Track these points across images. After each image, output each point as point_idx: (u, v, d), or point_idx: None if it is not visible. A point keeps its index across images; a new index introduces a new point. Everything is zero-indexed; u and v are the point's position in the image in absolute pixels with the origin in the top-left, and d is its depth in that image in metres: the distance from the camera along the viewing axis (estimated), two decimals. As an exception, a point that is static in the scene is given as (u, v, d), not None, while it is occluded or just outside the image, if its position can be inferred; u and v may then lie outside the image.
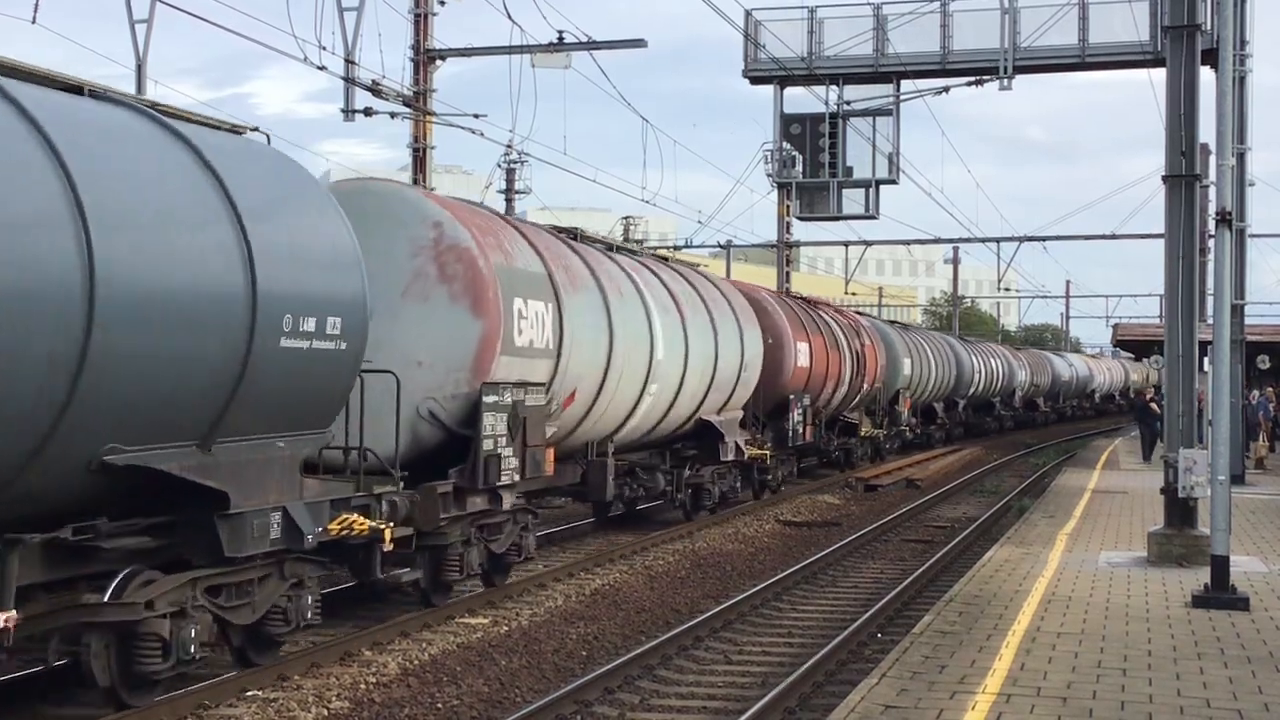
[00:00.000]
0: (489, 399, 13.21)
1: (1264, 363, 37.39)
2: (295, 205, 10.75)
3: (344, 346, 10.63)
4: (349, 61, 24.01)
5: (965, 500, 29.10)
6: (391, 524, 11.57)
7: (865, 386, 32.77)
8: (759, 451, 23.82)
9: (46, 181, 8.13)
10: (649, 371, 18.16)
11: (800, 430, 26.26)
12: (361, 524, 11.10)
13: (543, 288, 14.90)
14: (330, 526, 10.71)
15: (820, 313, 30.43)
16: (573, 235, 17.96)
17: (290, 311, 9.98)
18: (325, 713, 10.16)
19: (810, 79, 35.76)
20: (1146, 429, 35.19)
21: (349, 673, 11.33)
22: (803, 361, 26.34)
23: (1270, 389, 38.39)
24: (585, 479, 17.60)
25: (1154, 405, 32.60)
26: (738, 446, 22.38)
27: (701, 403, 20.91)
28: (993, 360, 52.50)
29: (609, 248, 19.33)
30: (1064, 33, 34.10)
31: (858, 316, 36.84)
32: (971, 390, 48.37)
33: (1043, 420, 63.24)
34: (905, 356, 37.89)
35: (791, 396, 25.80)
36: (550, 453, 14.85)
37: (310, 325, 10.19)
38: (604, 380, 16.68)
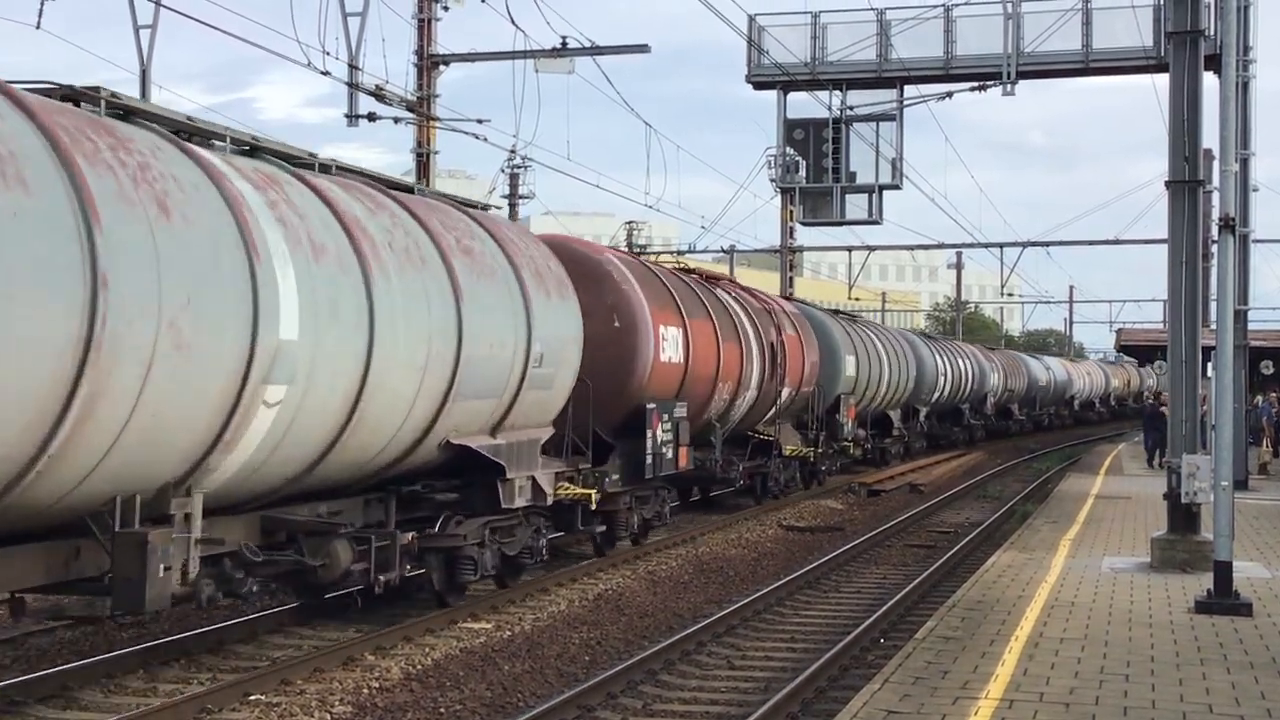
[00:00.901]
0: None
1: (1267, 368, 37.40)
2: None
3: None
4: (353, 66, 24.05)
5: (968, 505, 29.09)
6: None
7: (786, 391, 25.22)
8: (582, 491, 16.06)
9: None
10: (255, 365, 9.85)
11: (665, 454, 18.33)
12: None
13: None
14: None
15: (717, 290, 22.86)
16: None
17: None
18: (328, 717, 10.16)
19: (813, 84, 35.77)
20: (1155, 434, 35.12)
21: (352, 677, 11.33)
22: (671, 355, 18.62)
23: (1274, 394, 38.37)
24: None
25: (1165, 410, 32.49)
26: (535, 485, 14.62)
27: (436, 417, 12.44)
28: (961, 361, 45.83)
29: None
30: (1067, 38, 34.09)
31: (781, 301, 28.57)
32: (936, 396, 41.83)
33: (1017, 430, 56.32)
34: (848, 354, 31.10)
35: (650, 406, 17.89)
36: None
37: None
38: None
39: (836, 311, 35.89)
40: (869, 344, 33.99)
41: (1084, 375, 71.24)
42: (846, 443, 30.85)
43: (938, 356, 42.32)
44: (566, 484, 15.56)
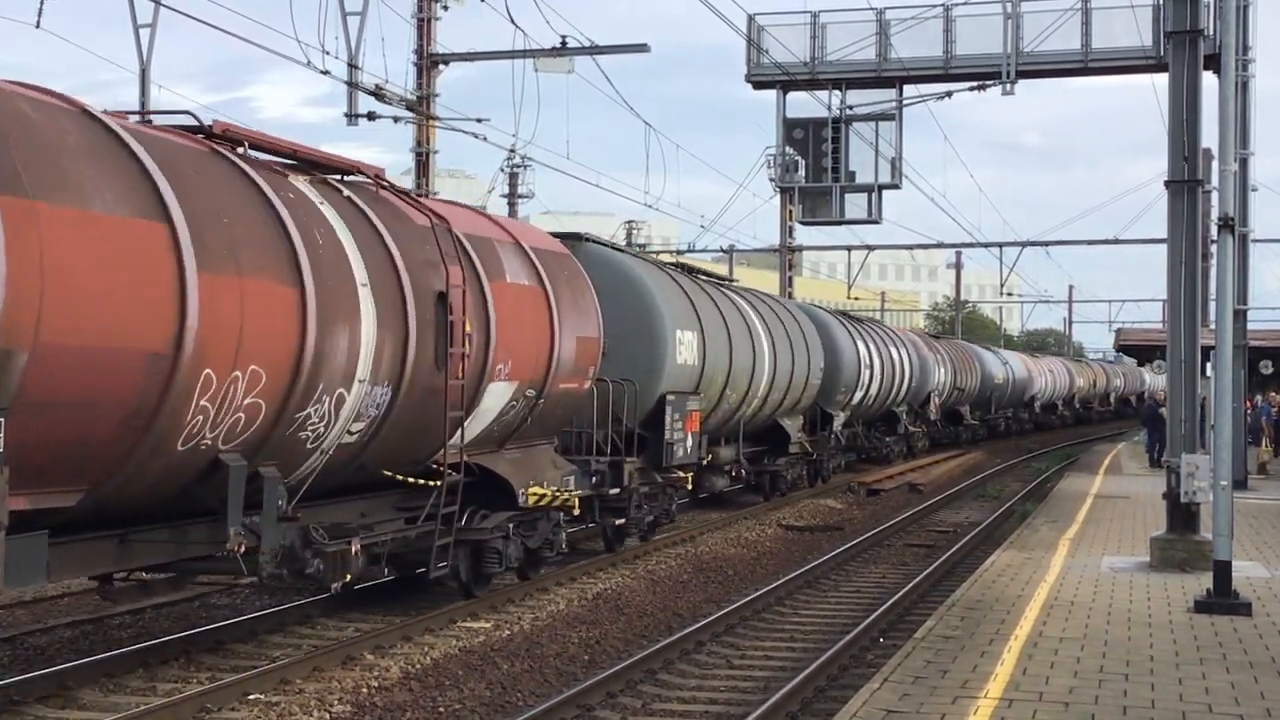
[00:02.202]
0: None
1: (1266, 368, 37.37)
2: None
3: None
4: (352, 66, 24.04)
5: (968, 505, 29.09)
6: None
7: (496, 388, 13.92)
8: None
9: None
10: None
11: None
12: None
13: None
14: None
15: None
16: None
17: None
18: (327, 716, 10.16)
19: (813, 84, 35.79)
20: (1157, 434, 35.12)
21: (351, 676, 11.33)
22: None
23: (1274, 394, 38.36)
24: None
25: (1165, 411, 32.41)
26: None
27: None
28: (895, 352, 36.48)
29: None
30: (1067, 38, 34.12)
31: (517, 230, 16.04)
32: (859, 397, 32.44)
33: (968, 438, 47.92)
34: (684, 330, 19.64)
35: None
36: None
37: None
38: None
39: (685, 268, 23.60)
40: (736, 319, 22.56)
41: (1045, 373, 61.97)
42: (673, 472, 19.31)
43: (863, 343, 32.66)
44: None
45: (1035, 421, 60.15)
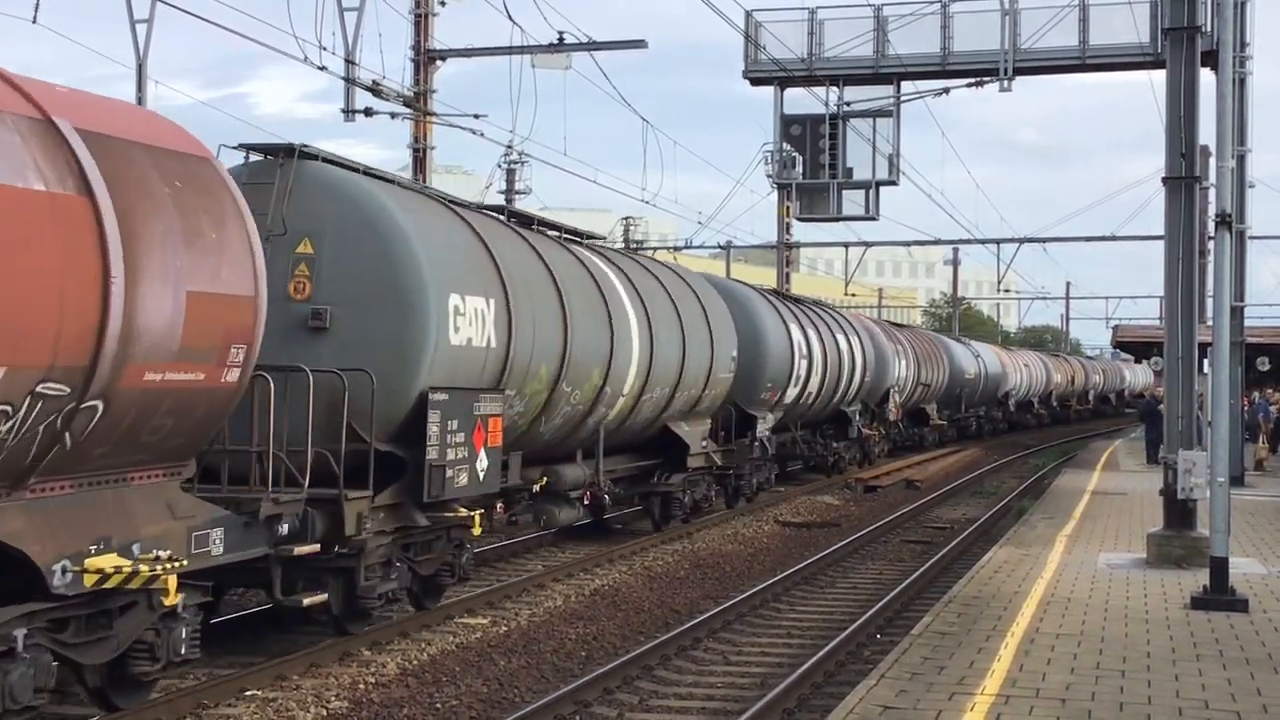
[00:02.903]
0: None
1: (1264, 364, 37.40)
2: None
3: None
4: (349, 62, 24.02)
5: (965, 501, 29.10)
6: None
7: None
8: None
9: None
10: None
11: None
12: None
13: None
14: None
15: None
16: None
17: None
18: (324, 712, 10.16)
19: (810, 80, 35.75)
20: (1155, 431, 35.14)
21: (348, 672, 11.33)
22: None
23: (1271, 391, 38.40)
24: None
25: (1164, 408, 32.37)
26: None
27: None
28: (844, 340, 30.46)
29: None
30: (1064, 34, 34.10)
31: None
32: (794, 395, 26.17)
33: (933, 440, 43.01)
34: (473, 296, 13.49)
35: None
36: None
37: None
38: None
39: (508, 212, 17.30)
40: (582, 285, 16.54)
41: (1020, 368, 56.57)
42: (448, 510, 13.30)
43: (798, 327, 26.31)
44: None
45: (1010, 421, 55.71)
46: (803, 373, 26.49)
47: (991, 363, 50.69)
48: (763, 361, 24.08)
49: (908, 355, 37.97)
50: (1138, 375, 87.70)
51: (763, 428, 24.42)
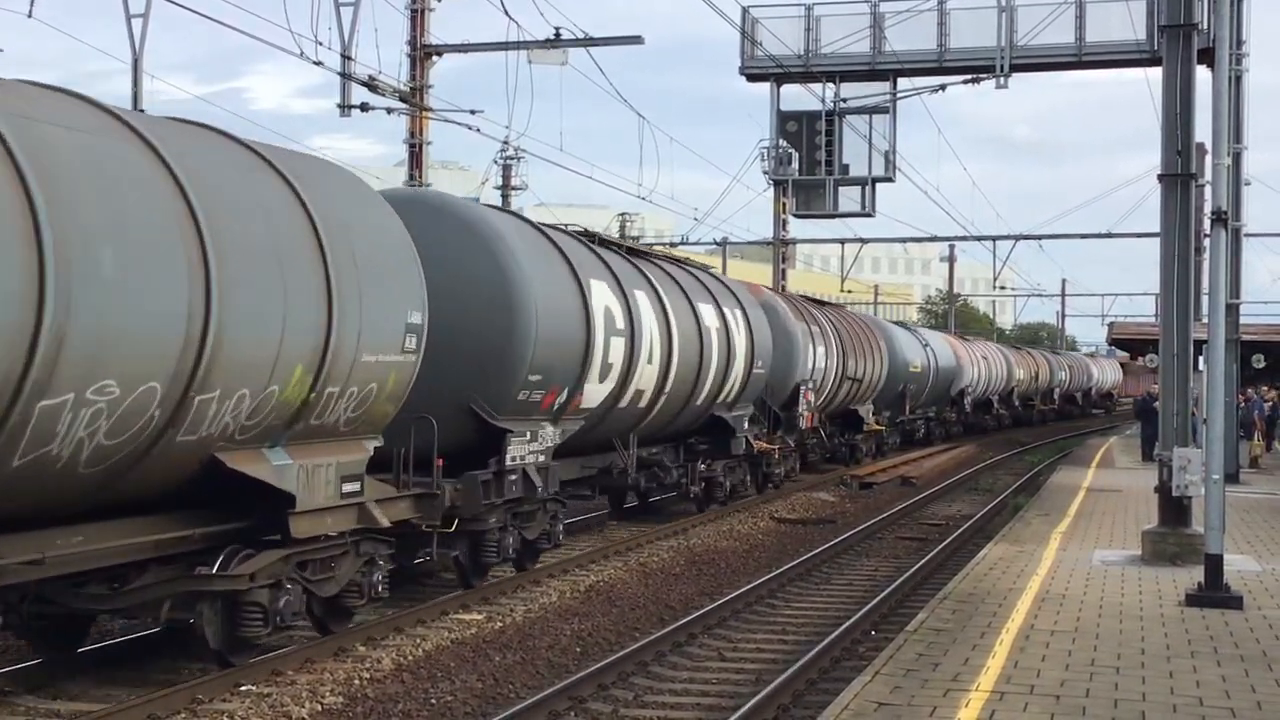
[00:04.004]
0: None
1: (1259, 362, 37.45)
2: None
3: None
4: (345, 57, 24.00)
5: (960, 498, 29.11)
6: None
7: None
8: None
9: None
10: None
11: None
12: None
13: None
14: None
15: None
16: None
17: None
18: (319, 708, 10.15)
19: (807, 76, 35.76)
20: (1150, 428, 35.16)
21: (343, 668, 11.32)
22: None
23: (1266, 388, 38.44)
24: None
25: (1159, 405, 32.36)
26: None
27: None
28: (733, 315, 21.88)
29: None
30: (1061, 31, 34.15)
31: None
32: (646, 400, 18.12)
33: (868, 451, 34.67)
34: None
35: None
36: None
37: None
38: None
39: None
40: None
41: (978, 361, 49.49)
42: None
43: (661, 299, 18.43)
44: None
45: (965, 423, 48.65)
46: (667, 370, 18.45)
47: (943, 354, 43.02)
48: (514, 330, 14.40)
49: (828, 340, 29.40)
50: (1106, 373, 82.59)
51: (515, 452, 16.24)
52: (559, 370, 15.17)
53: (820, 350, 28.45)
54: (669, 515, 22.70)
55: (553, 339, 14.85)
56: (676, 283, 19.87)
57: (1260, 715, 8.86)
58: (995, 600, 12.95)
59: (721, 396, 21.55)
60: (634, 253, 19.57)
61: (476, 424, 14.09)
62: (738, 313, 22.34)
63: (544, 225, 16.53)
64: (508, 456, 14.34)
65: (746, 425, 23.16)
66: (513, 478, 14.55)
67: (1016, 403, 57.96)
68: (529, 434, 14.89)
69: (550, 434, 15.50)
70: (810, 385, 27.50)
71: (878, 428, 35.02)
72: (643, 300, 17.84)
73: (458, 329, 13.63)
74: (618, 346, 16.70)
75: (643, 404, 18.24)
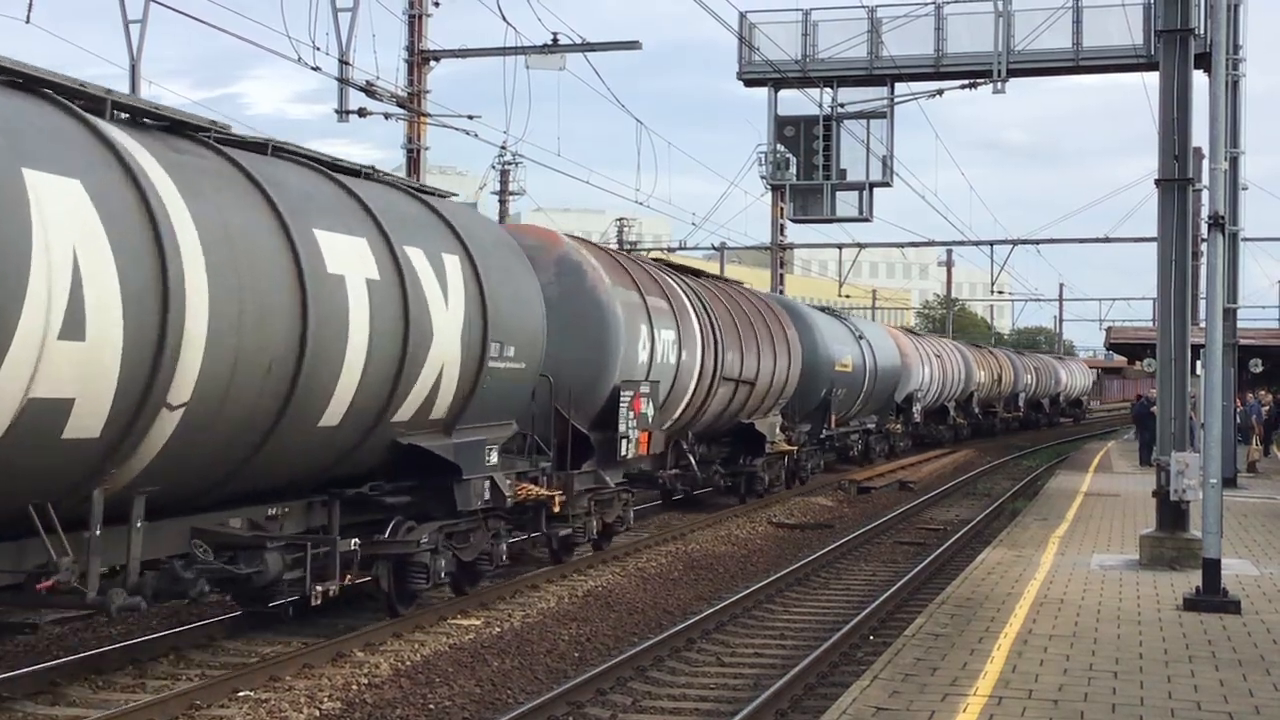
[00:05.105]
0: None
1: (1256, 366, 37.46)
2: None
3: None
4: (343, 62, 23.99)
5: (958, 503, 29.12)
6: None
7: None
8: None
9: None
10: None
11: None
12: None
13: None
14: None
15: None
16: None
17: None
18: (317, 713, 10.14)
19: (804, 81, 35.79)
20: (1147, 433, 35.15)
21: (341, 673, 11.32)
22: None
23: (1264, 392, 38.45)
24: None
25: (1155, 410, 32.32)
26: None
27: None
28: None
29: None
30: (1058, 36, 34.15)
31: None
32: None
33: (772, 481, 26.15)
34: None
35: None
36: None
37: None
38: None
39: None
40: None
41: (930, 360, 41.66)
42: None
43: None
44: None
45: (915, 436, 41.62)
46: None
47: (884, 351, 35.55)
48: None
49: (726, 334, 21.80)
50: (1075, 376, 74.02)
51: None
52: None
53: (668, 336, 19.18)
54: (664, 522, 22.96)
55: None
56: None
57: (1258, 719, 8.87)
58: (993, 605, 12.95)
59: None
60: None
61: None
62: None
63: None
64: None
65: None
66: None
67: (977, 410, 50.35)
68: None
69: None
70: (645, 390, 18.01)
71: (788, 448, 26.89)
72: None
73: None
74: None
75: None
